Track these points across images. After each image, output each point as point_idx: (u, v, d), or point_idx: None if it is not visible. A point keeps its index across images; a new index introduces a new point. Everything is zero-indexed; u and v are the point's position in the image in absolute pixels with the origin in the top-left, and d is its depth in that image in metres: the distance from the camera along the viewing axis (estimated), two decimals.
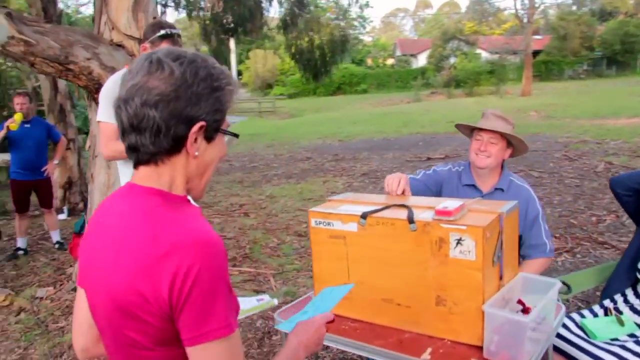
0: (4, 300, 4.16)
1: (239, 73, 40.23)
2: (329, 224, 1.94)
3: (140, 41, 4.29)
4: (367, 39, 49.03)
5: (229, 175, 10.74)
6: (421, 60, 41.28)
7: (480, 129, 2.43)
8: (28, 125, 5.15)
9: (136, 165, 1.05)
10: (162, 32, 2.69)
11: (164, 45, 2.73)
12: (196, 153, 1.03)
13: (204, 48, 14.30)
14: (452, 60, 34.85)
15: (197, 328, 0.92)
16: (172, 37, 2.70)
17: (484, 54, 35.08)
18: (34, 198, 5.42)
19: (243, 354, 1.00)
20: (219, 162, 1.12)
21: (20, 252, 5.33)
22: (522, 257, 2.49)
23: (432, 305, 1.74)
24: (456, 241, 1.64)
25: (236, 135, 1.16)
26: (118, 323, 1.00)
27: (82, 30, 3.97)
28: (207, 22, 13.24)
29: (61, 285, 4.44)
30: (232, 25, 12.63)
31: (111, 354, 1.10)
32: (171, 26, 2.75)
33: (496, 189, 2.48)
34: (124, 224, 1.00)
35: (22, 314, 3.99)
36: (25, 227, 5.40)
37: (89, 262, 1.09)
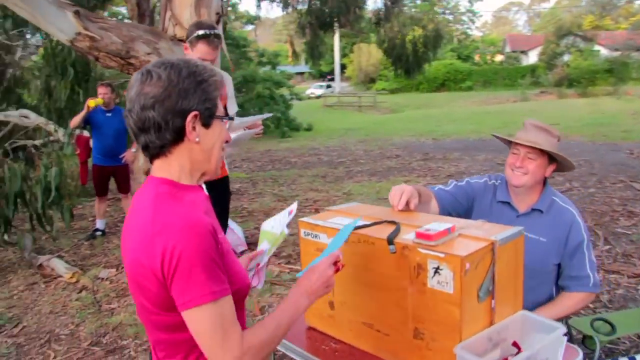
0: (71, 277, 4.46)
1: (343, 67, 40.37)
2: (315, 236, 1.80)
3: None
4: (476, 34, 46.96)
5: (314, 169, 10.76)
6: (532, 58, 38.58)
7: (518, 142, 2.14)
8: (109, 114, 5.47)
9: (151, 160, 1.24)
10: (199, 32, 2.69)
11: (201, 46, 2.72)
12: (197, 139, 1.19)
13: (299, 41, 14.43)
14: (566, 57, 32.24)
15: (184, 296, 1.08)
16: (207, 38, 2.69)
17: (603, 51, 31.99)
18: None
19: (233, 318, 1.13)
20: (222, 145, 1.26)
21: (98, 232, 5.71)
22: (561, 288, 2.18)
23: (410, 337, 1.54)
24: (434, 269, 1.43)
25: (231, 119, 1.34)
26: (134, 290, 1.20)
27: (144, 26, 4.11)
28: (302, 15, 13.31)
29: (123, 268, 4.67)
30: (327, 19, 12.62)
31: (141, 320, 1.27)
32: (210, 27, 2.74)
33: (533, 209, 2.18)
34: (137, 208, 1.21)
35: (84, 292, 4.25)
36: (103, 209, 5.77)
37: (122, 242, 1.27)
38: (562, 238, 2.13)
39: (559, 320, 2.18)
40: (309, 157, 12.81)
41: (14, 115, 7.11)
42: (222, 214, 3.09)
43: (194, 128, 1.18)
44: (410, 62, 10.09)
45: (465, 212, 2.32)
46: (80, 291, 4.28)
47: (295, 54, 14.55)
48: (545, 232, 2.13)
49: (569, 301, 2.13)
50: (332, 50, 35.51)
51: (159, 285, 1.11)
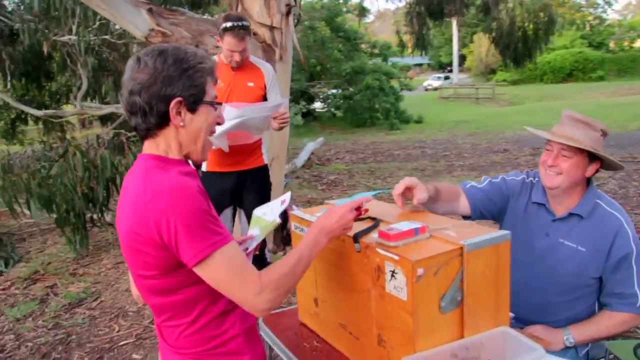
0: None
1: (462, 58, 38.77)
2: (302, 230, 1.73)
3: (270, 28, 4.43)
4: (615, 17, 42.35)
5: (415, 163, 10.51)
6: None
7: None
8: None
9: (142, 140, 1.30)
10: (227, 24, 2.73)
11: (227, 38, 2.76)
12: (181, 123, 1.25)
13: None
14: None
15: (189, 254, 1.14)
16: (232, 30, 2.72)
17: None
18: None
19: (243, 259, 1.20)
20: (209, 129, 1.31)
21: None
22: (602, 306, 1.89)
23: (374, 344, 1.43)
24: (391, 273, 1.31)
25: (219, 104, 1.32)
26: (130, 261, 1.26)
27: (212, 20, 4.24)
28: (411, 5, 13.00)
29: None
30: (435, 7, 12.20)
31: (138, 288, 1.34)
32: (237, 19, 2.76)
33: (572, 213, 1.89)
34: (129, 182, 1.27)
35: None
36: None
37: (117, 216, 1.32)
38: (605, 248, 1.82)
39: (595, 341, 1.91)
40: (413, 150, 12.52)
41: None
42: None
43: (178, 113, 1.23)
44: (519, 50, 9.36)
45: (499, 213, 2.10)
46: None
47: (402, 44, 14.21)
48: (585, 240, 1.85)
49: (609, 321, 1.84)
50: (451, 41, 34.30)
51: (158, 249, 1.17)
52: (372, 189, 8.04)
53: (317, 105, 21.37)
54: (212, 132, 1.33)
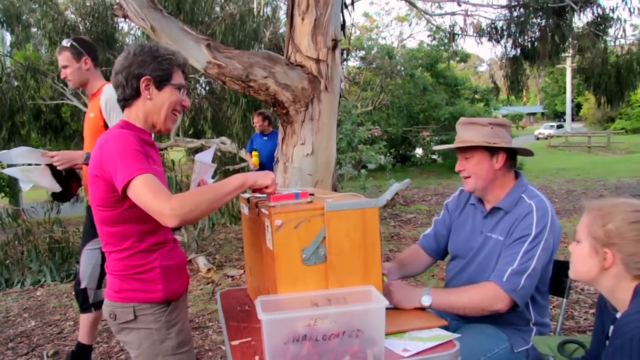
0: (207, 272, 5.21)
1: (578, 106, 36.78)
2: (243, 207, 2.00)
3: (317, 61, 4.81)
4: None
5: None
6: None
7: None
8: (266, 138, 6.28)
9: (122, 110, 1.71)
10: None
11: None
12: (148, 96, 1.64)
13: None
14: None
15: (120, 178, 1.47)
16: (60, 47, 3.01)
17: None
18: None
19: (161, 186, 1.49)
20: (172, 106, 1.68)
21: None
22: None
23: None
24: (267, 228, 1.54)
25: (182, 87, 1.70)
26: (90, 193, 1.63)
27: (262, 53, 4.70)
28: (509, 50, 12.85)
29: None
30: (529, 50, 11.99)
31: (95, 220, 1.69)
32: (71, 39, 2.97)
33: (495, 207, 1.99)
34: (100, 139, 1.63)
35: (210, 284, 4.93)
36: None
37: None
38: (510, 227, 1.89)
39: (454, 311, 1.87)
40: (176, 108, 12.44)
41: (214, 142, 8.53)
42: None
43: (147, 88, 1.63)
44: (610, 89, 8.89)
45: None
46: (208, 283, 4.99)
47: (497, 88, 14.00)
48: (504, 230, 1.93)
49: (472, 289, 1.84)
50: (524, 83, 32.82)
51: (104, 182, 1.54)
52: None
53: (418, 151, 21.45)
54: (176, 110, 1.71)
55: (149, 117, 1.68)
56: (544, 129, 36.48)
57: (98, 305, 2.86)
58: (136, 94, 1.64)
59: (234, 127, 7.23)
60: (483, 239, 2.01)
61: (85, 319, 2.99)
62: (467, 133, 1.97)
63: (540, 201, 1.90)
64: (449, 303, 1.81)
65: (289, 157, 5.14)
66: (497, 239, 1.95)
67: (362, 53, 19.27)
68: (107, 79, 2.86)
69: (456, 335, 1.57)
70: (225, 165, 8.64)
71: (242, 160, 8.40)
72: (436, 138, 19.87)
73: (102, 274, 2.89)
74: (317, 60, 4.96)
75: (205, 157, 2.08)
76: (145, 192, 1.46)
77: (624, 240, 1.34)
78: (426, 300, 1.78)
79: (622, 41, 8.77)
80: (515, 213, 1.91)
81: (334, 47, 5.06)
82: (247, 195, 1.92)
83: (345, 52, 5.16)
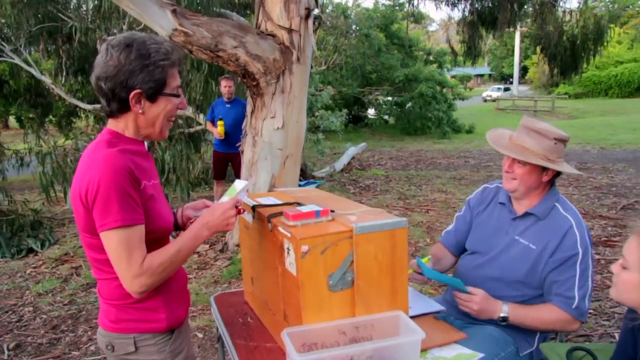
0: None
1: (525, 69, 37.67)
2: (244, 214, 1.85)
3: (289, 31, 4.58)
4: None
5: (454, 172, 10.39)
6: None
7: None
8: (229, 105, 6.00)
9: (108, 118, 1.45)
10: None
11: None
12: (140, 111, 1.39)
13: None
14: None
15: (100, 220, 1.29)
16: None
17: None
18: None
19: (140, 243, 1.32)
20: (168, 115, 1.44)
21: None
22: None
23: (282, 319, 1.53)
24: (287, 250, 1.41)
25: (177, 96, 1.44)
26: (75, 215, 1.40)
27: (232, 21, 4.42)
28: (464, 13, 12.85)
29: (214, 244, 5.12)
30: (487, 16, 12.02)
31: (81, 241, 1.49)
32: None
33: (528, 213, 1.94)
34: (86, 151, 1.42)
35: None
36: (220, 193, 6.32)
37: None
38: (551, 248, 1.87)
39: (525, 327, 1.90)
40: (457, 160, 12.37)
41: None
42: None
43: (138, 102, 1.37)
44: (565, 61, 9.06)
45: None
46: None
47: (454, 52, 14.04)
48: (537, 239, 1.89)
49: (546, 313, 1.85)
50: (481, 51, 33.48)
51: (85, 211, 1.33)
52: (402, 194, 8.06)
53: (370, 112, 21.44)
54: (171, 117, 1.46)
55: (141, 130, 1.43)
56: (492, 91, 37.26)
57: None
58: (124, 108, 1.38)
59: (196, 93, 6.87)
60: (509, 241, 1.98)
61: None
62: (528, 140, 1.89)
63: (575, 214, 1.89)
64: (521, 322, 1.87)
65: (258, 130, 4.94)
66: (527, 246, 1.91)
67: (316, 11, 18.82)
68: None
69: (480, 355, 1.52)
70: (179, 129, 8.27)
71: (199, 124, 8.08)
72: (389, 99, 19.92)
73: None
74: (290, 30, 4.71)
75: (242, 185, 1.81)
76: (118, 251, 1.30)
77: None
78: (503, 315, 1.85)
79: (576, 14, 8.89)
80: (551, 224, 1.88)
81: (307, 17, 4.82)
82: (251, 202, 1.77)
83: (317, 21, 4.94)
